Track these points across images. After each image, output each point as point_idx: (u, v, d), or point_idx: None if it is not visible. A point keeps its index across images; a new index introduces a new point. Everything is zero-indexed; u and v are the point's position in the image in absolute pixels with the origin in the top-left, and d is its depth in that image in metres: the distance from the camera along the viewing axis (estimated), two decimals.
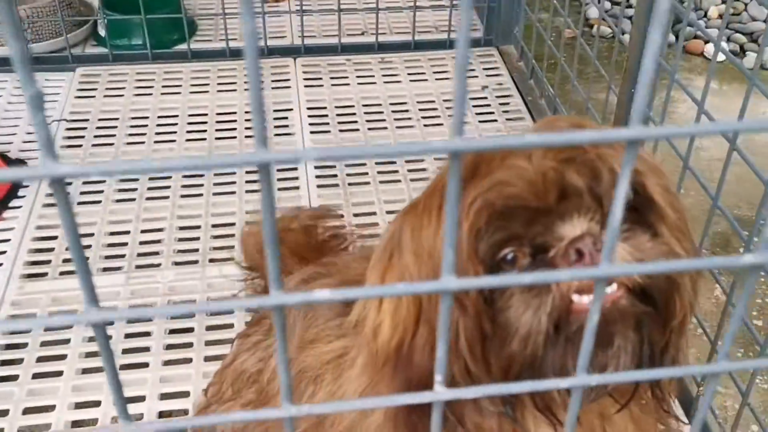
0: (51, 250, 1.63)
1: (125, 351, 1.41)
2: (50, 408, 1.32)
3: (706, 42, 2.59)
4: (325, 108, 2.10)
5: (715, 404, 1.52)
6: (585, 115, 1.87)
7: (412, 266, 0.69)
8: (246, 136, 1.98)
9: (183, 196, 1.78)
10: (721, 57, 2.75)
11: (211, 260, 1.60)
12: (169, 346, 1.43)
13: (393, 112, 2.09)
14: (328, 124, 2.04)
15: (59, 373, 1.38)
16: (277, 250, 0.43)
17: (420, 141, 0.47)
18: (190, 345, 1.43)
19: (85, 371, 1.38)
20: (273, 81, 2.21)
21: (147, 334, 1.45)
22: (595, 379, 0.52)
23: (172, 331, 1.46)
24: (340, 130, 2.02)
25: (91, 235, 1.66)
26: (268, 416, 0.50)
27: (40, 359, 1.41)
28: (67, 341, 1.43)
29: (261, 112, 0.37)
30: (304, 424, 0.98)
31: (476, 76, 2.26)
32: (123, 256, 1.61)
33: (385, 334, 0.73)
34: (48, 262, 1.60)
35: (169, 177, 1.83)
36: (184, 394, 1.31)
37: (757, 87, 1.12)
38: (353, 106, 2.13)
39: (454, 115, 0.39)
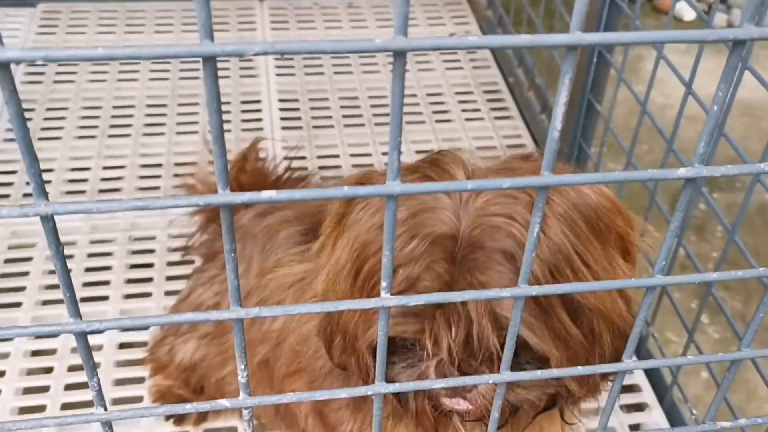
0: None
1: (86, 284, 1.42)
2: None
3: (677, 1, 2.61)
4: None
5: (668, 352, 1.56)
6: (551, 64, 1.88)
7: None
8: None
9: (145, 135, 1.77)
10: (691, 16, 2.78)
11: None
12: (130, 281, 1.43)
13: (360, 57, 2.08)
14: (293, 67, 2.03)
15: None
16: (224, 147, 0.44)
17: (366, 40, 0.47)
18: (150, 280, 1.43)
19: (47, 303, 1.39)
20: (238, 23, 2.18)
21: (107, 268, 1.45)
22: None
23: (133, 266, 1.46)
24: (306, 74, 2.01)
25: (51, 170, 1.64)
26: (219, 317, 0.52)
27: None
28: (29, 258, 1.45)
29: (206, 4, 0.37)
30: (266, 346, 1.01)
31: (444, 24, 2.26)
32: (83, 192, 1.60)
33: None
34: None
35: (131, 115, 1.82)
36: (143, 327, 1.32)
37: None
38: None
39: (396, 15, 0.40)
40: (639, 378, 1.36)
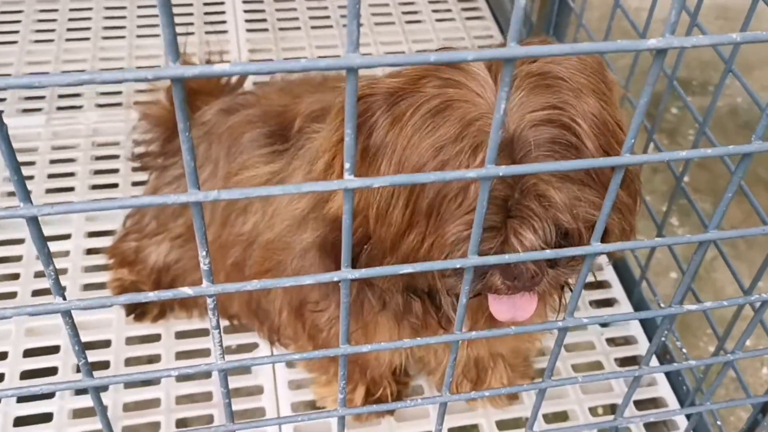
0: None
1: (49, 191, 1.39)
2: None
3: None
4: None
5: (639, 254, 1.55)
6: None
7: None
8: None
9: (105, 38, 1.71)
10: None
11: (136, 102, 1.55)
12: (94, 186, 1.40)
13: None
14: None
15: None
16: (171, 17, 0.42)
17: None
18: (115, 185, 1.41)
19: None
20: None
21: (71, 174, 1.42)
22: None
23: (97, 172, 1.43)
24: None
25: (8, 75, 1.58)
26: (176, 200, 0.50)
27: None
28: None
29: None
30: (238, 249, 1.00)
31: None
32: (43, 97, 1.55)
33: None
34: None
35: (89, 18, 1.75)
36: (110, 233, 1.30)
37: None
38: None
39: None
40: (609, 274, 1.37)
